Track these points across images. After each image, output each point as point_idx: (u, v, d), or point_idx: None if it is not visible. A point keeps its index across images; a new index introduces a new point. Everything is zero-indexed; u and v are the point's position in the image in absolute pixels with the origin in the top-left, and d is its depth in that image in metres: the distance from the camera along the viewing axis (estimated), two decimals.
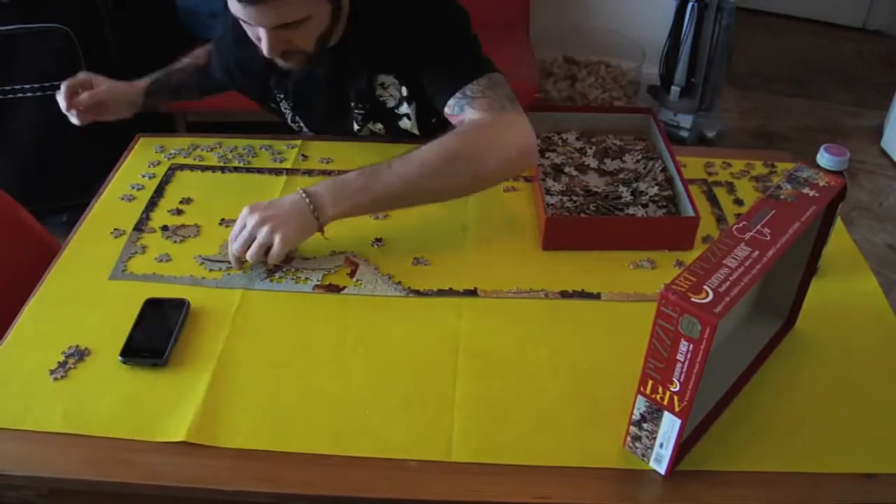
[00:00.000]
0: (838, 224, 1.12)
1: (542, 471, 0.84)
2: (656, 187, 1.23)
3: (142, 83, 1.41)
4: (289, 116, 1.42)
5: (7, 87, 2.13)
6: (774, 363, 0.96)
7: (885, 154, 2.86)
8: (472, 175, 1.12)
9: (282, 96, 1.39)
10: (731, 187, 1.28)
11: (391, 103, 1.31)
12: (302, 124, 1.43)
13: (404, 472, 0.84)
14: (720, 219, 1.21)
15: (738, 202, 1.25)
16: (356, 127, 1.36)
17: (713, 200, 1.25)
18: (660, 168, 1.28)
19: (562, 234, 1.13)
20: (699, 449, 0.85)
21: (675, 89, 2.76)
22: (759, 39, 3.60)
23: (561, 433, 0.87)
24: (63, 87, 1.29)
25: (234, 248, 1.07)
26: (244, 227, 1.06)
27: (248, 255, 1.06)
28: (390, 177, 1.08)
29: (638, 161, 1.30)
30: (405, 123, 1.33)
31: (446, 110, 1.18)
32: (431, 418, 0.89)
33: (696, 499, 0.82)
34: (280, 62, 1.18)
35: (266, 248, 1.05)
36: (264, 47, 1.11)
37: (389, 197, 1.09)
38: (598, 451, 0.84)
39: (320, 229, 1.08)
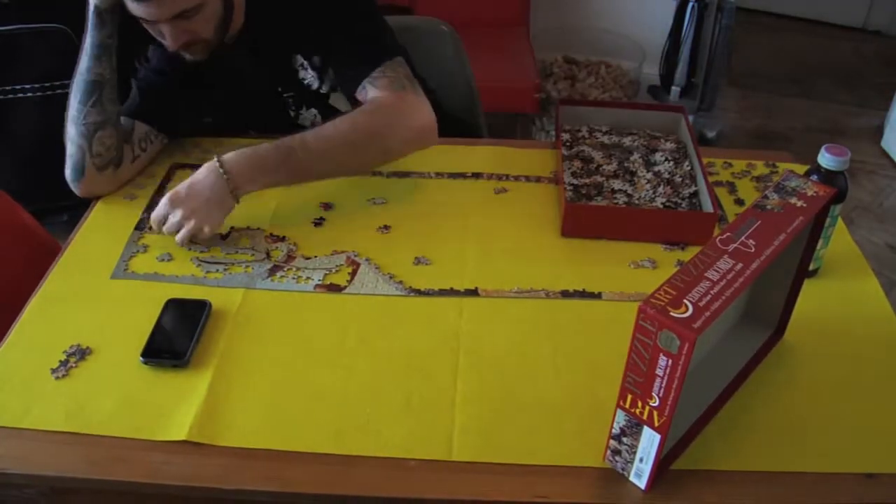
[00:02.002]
0: (838, 224, 1.12)
1: (542, 470, 0.84)
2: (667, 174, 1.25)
3: None
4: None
5: (7, 87, 2.13)
6: (774, 363, 0.96)
7: (885, 154, 2.86)
8: (381, 150, 1.21)
9: (212, 116, 1.40)
10: (732, 187, 1.29)
11: (315, 84, 1.33)
12: (253, 132, 1.42)
13: (405, 471, 0.84)
14: (721, 219, 1.21)
15: (739, 202, 1.25)
16: (292, 114, 1.38)
17: (714, 200, 1.25)
18: (687, 167, 1.30)
19: (580, 220, 1.16)
20: (699, 448, 0.85)
21: (675, 89, 2.76)
22: (759, 39, 3.60)
23: (561, 433, 0.88)
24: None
25: (163, 230, 1.12)
26: (166, 216, 1.11)
27: (177, 242, 1.11)
28: (305, 153, 1.14)
29: (667, 160, 1.32)
30: (336, 100, 1.35)
31: (355, 94, 1.24)
32: (432, 418, 0.89)
33: (695, 498, 0.82)
34: (185, 55, 1.20)
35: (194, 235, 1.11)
36: (168, 40, 1.15)
37: (304, 172, 1.17)
38: (598, 451, 0.84)
39: (237, 201, 1.14)
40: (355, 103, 1.26)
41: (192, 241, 1.12)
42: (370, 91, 1.22)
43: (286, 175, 1.15)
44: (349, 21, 1.25)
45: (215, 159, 1.12)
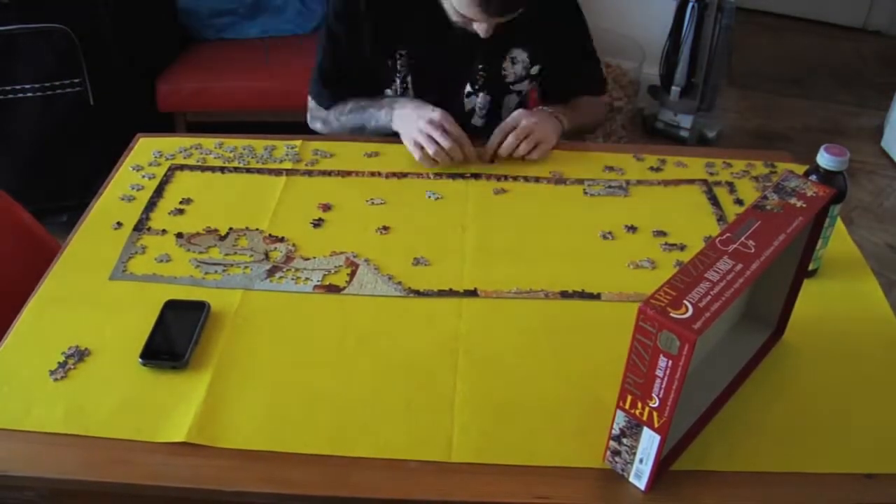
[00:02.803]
0: (838, 224, 1.12)
1: (541, 471, 0.84)
2: None
3: None
4: (402, 73, 1.42)
5: (7, 87, 2.13)
6: (774, 363, 0.96)
7: (885, 154, 2.86)
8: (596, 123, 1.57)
9: (403, 52, 1.39)
10: (731, 187, 1.28)
11: (510, 78, 1.43)
12: (409, 84, 1.43)
13: (404, 472, 0.84)
14: (721, 219, 1.21)
15: (739, 202, 1.25)
16: (468, 90, 1.43)
17: (714, 200, 1.25)
18: None
19: None
20: (699, 449, 0.85)
21: (675, 89, 2.76)
22: (759, 39, 3.60)
23: (561, 434, 0.87)
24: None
25: (496, 138, 1.31)
26: (521, 123, 1.30)
27: (521, 150, 1.31)
28: (582, 114, 1.46)
29: None
30: (512, 101, 1.47)
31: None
32: (431, 418, 0.89)
33: (695, 499, 0.82)
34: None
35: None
36: (482, 32, 1.26)
37: (578, 125, 1.44)
38: (598, 452, 0.84)
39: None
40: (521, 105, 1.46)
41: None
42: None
43: (569, 121, 1.39)
44: (586, 44, 1.48)
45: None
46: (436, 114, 1.29)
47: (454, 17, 1.27)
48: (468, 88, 1.43)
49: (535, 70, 1.44)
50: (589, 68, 1.52)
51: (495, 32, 1.29)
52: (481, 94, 1.44)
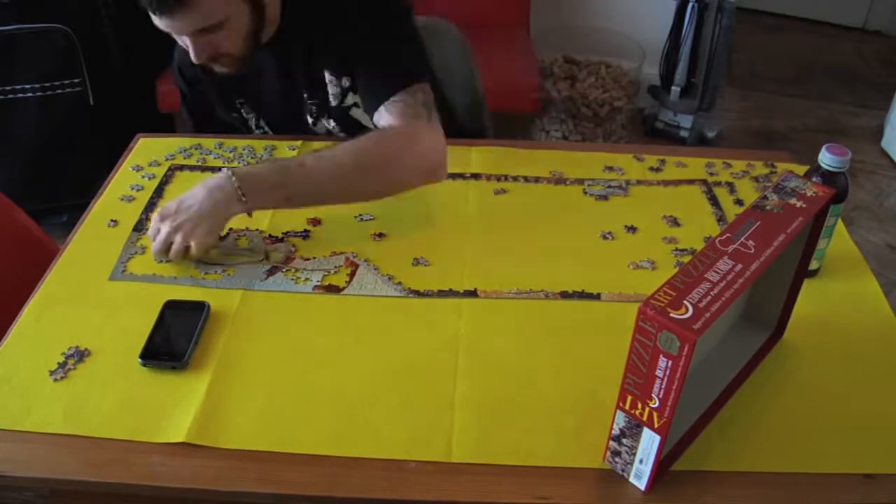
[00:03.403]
0: (838, 224, 1.12)
1: (542, 471, 0.84)
2: None
3: None
4: (252, 121, 1.43)
5: (7, 87, 2.13)
6: (774, 363, 0.96)
7: (885, 154, 2.86)
8: (384, 180, 1.16)
9: (242, 101, 1.40)
10: (731, 187, 1.28)
11: (336, 100, 1.32)
12: (265, 127, 1.43)
13: (404, 472, 0.84)
14: (721, 219, 1.21)
15: (739, 202, 1.25)
16: (310, 120, 1.38)
17: (713, 200, 1.25)
18: None
19: None
20: (699, 449, 0.85)
21: (675, 89, 2.76)
22: (759, 39, 3.60)
23: (560, 434, 0.87)
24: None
25: (153, 249, 1.09)
26: (158, 232, 1.08)
27: (170, 257, 1.09)
28: (303, 174, 1.12)
29: None
30: (356, 113, 1.33)
31: (372, 117, 1.22)
32: (431, 418, 0.89)
33: (695, 499, 0.82)
34: (213, 66, 1.20)
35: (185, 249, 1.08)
36: (191, 53, 1.14)
37: (302, 195, 1.13)
38: (598, 453, 0.84)
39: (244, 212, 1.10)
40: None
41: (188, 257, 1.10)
42: (384, 117, 1.18)
43: (284, 197, 1.12)
44: (376, 41, 1.21)
45: (225, 171, 1.10)
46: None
47: (184, 47, 1.16)
48: (309, 119, 1.37)
49: (346, 83, 1.29)
50: (376, 77, 1.22)
51: (306, 58, 1.25)
52: (323, 120, 1.37)
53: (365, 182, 1.15)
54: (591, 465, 0.84)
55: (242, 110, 1.41)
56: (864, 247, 1.98)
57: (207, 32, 1.12)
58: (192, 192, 1.09)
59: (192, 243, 1.07)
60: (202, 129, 1.45)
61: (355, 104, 1.33)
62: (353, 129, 1.33)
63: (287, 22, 1.24)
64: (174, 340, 0.97)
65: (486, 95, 1.69)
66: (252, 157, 1.34)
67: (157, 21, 1.11)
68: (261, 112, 1.41)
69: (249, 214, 1.11)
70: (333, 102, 1.33)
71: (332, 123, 1.37)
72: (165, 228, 1.08)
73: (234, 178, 1.08)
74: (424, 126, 1.17)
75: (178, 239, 1.07)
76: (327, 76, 1.30)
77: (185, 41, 1.14)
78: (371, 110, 1.22)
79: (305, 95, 1.35)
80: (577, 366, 0.96)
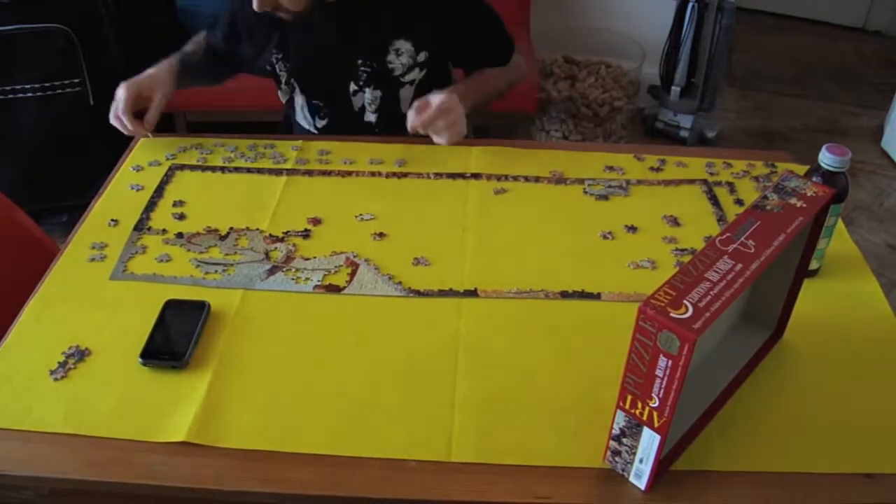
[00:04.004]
0: (838, 224, 1.12)
1: (542, 471, 0.84)
2: None
3: (170, 63, 1.45)
4: (283, 78, 1.44)
5: (7, 87, 2.13)
6: (774, 363, 0.96)
7: (885, 154, 2.86)
8: (509, 85, 1.49)
9: (280, 56, 1.40)
10: (731, 187, 1.28)
11: (399, 71, 1.37)
12: (295, 85, 1.45)
13: (404, 472, 0.84)
14: (721, 219, 1.21)
15: (739, 202, 1.25)
16: (353, 87, 1.40)
17: (714, 200, 1.25)
18: None
19: None
20: (699, 449, 0.85)
21: (675, 89, 2.76)
22: (759, 39, 3.60)
23: (560, 434, 0.87)
24: (124, 115, 1.33)
25: (432, 111, 1.26)
26: (446, 107, 1.27)
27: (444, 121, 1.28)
28: (483, 89, 1.42)
29: None
30: (406, 92, 1.41)
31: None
32: (431, 418, 0.89)
33: (695, 498, 0.82)
34: (277, 13, 1.24)
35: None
36: (255, 2, 1.20)
37: (480, 100, 1.41)
38: (598, 452, 0.84)
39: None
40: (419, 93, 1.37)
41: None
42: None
43: (473, 104, 1.36)
44: (482, 12, 1.41)
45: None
46: (119, 91, 1.32)
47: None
48: (353, 86, 1.41)
49: (422, 57, 1.38)
50: (489, 40, 1.45)
51: (376, 24, 1.31)
52: (368, 90, 1.41)
53: (504, 88, 1.47)
54: (591, 464, 0.84)
55: (277, 65, 1.42)
56: (864, 247, 1.98)
57: None
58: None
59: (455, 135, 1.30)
60: (215, 64, 1.48)
61: (410, 83, 1.40)
62: (391, 106, 1.42)
63: None
64: (174, 340, 0.97)
65: None
66: (252, 157, 1.34)
67: None
68: (296, 70, 1.42)
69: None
70: (398, 72, 1.37)
71: (378, 94, 1.40)
72: (443, 119, 1.27)
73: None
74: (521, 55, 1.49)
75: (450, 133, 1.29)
76: (402, 47, 1.35)
77: None
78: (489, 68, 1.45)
79: (360, 61, 1.37)
80: (577, 366, 0.96)
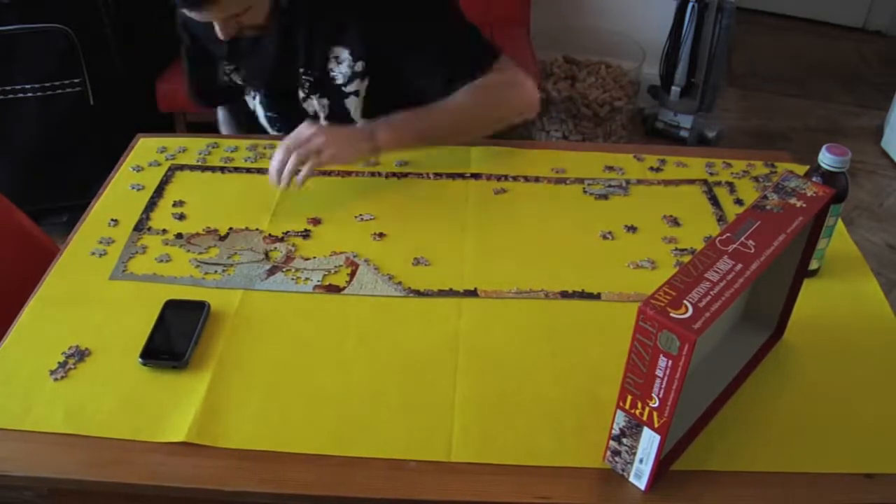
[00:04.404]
0: (838, 224, 1.12)
1: (542, 471, 0.84)
2: None
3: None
4: (247, 89, 1.45)
5: (7, 87, 2.13)
6: (774, 363, 0.96)
7: (885, 154, 2.86)
8: (496, 118, 1.32)
9: (232, 67, 1.41)
10: (731, 187, 1.28)
11: (339, 80, 1.34)
12: (259, 95, 1.45)
13: (404, 472, 0.84)
14: (721, 219, 1.21)
15: (739, 202, 1.25)
16: (301, 95, 1.38)
17: (714, 200, 1.25)
18: None
19: None
20: (699, 449, 0.85)
21: (675, 89, 2.76)
22: (759, 39, 3.60)
23: (561, 433, 0.87)
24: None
25: (279, 155, 1.17)
26: (299, 135, 1.17)
27: (299, 179, 1.17)
28: (435, 117, 1.26)
29: None
30: (351, 102, 1.36)
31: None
32: (431, 418, 0.89)
33: (695, 499, 0.82)
34: (241, 33, 1.24)
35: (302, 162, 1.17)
36: (220, 34, 1.20)
37: (433, 131, 1.28)
38: (598, 452, 0.84)
39: (372, 153, 1.25)
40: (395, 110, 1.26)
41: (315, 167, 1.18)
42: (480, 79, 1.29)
43: (415, 131, 1.26)
44: (430, 23, 1.28)
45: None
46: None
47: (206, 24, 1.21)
48: (301, 93, 1.39)
49: (359, 67, 1.31)
50: (429, 51, 1.28)
51: (316, 31, 1.29)
52: (314, 98, 1.38)
53: (482, 119, 1.31)
54: (591, 464, 0.84)
55: (233, 75, 1.42)
56: (864, 247, 1.99)
57: (234, 17, 1.17)
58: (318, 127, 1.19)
59: (328, 153, 1.17)
60: (201, 89, 1.50)
61: (355, 93, 1.35)
62: (341, 115, 1.38)
63: None
64: (174, 340, 0.97)
65: None
66: (253, 157, 1.34)
67: (188, 13, 1.16)
68: (251, 80, 1.43)
69: (376, 157, 1.24)
70: (338, 81, 1.34)
71: (326, 102, 1.38)
72: (310, 130, 1.17)
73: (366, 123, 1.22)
74: (520, 72, 1.32)
75: (311, 161, 1.17)
76: (341, 55, 1.32)
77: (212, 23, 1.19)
78: (443, 93, 1.28)
79: (301, 70, 1.36)
80: (577, 366, 0.96)
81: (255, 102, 1.47)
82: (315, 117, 1.40)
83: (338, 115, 1.37)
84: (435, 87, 1.27)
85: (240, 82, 1.44)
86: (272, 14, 1.23)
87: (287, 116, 1.42)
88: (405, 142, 1.26)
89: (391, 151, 1.27)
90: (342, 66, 1.32)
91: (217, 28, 1.19)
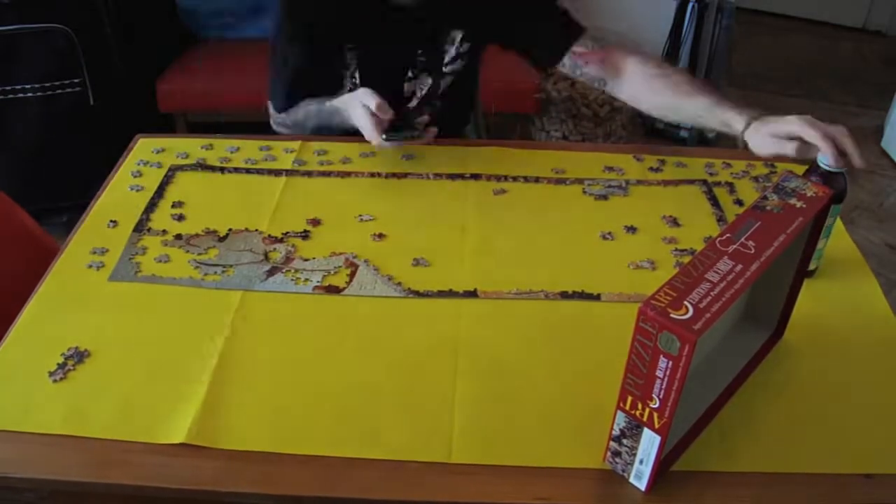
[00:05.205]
0: (838, 224, 1.12)
1: (541, 472, 0.84)
2: None
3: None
4: (349, 70, 1.42)
5: (7, 87, 2.13)
6: (774, 363, 0.96)
7: (885, 154, 2.86)
8: None
9: (351, 45, 1.40)
10: (731, 188, 1.28)
11: (446, 59, 1.41)
12: (357, 78, 1.43)
13: (404, 473, 0.84)
14: (720, 219, 1.21)
15: (739, 202, 1.25)
16: (410, 74, 1.41)
17: (713, 201, 1.25)
18: None
19: None
20: (699, 450, 0.85)
21: None
22: (759, 39, 3.60)
23: (561, 435, 0.87)
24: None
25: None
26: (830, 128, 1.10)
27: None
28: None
29: None
30: (445, 83, 1.43)
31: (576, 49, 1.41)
32: (431, 419, 0.89)
33: (696, 499, 0.82)
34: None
35: None
36: None
37: None
38: (598, 453, 0.84)
39: None
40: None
41: None
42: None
43: None
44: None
45: None
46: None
47: None
48: (409, 74, 1.42)
49: (464, 48, 1.40)
50: (558, 24, 1.43)
51: (435, 15, 1.31)
52: (421, 77, 1.42)
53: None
54: (592, 465, 0.84)
55: (348, 55, 1.41)
56: (864, 247, 1.98)
57: None
58: None
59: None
60: (301, 85, 1.44)
61: (452, 73, 1.42)
62: (433, 95, 1.43)
63: None
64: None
65: (487, 96, 1.70)
66: (252, 158, 1.34)
67: None
68: (365, 59, 1.41)
69: None
70: (445, 60, 1.40)
71: (429, 81, 1.42)
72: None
73: None
74: None
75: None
76: (457, 37, 1.38)
77: None
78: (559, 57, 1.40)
79: (420, 51, 1.39)
80: (577, 366, 0.96)
81: (349, 84, 1.45)
82: (409, 97, 1.44)
83: (430, 95, 1.43)
84: (554, 54, 1.40)
85: (351, 62, 1.42)
86: None
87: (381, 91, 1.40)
88: None
89: None
90: (452, 48, 1.39)
91: None
